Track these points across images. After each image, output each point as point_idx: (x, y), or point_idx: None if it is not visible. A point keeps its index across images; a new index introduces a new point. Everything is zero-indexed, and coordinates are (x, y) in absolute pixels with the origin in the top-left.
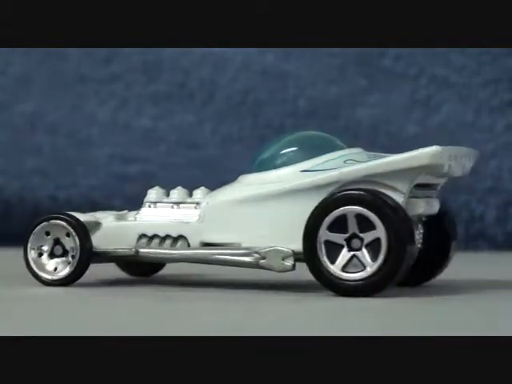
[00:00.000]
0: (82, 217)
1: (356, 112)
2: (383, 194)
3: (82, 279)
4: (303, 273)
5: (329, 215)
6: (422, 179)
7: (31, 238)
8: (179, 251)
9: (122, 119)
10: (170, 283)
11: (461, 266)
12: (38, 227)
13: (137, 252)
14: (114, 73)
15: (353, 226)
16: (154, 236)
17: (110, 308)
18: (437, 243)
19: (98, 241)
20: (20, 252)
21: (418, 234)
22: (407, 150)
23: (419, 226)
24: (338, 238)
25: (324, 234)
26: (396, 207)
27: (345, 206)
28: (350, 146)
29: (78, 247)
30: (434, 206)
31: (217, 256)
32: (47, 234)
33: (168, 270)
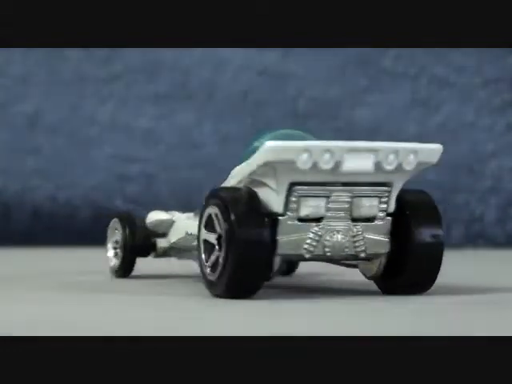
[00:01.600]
0: (163, 215)
1: (356, 112)
2: (244, 192)
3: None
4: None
5: (203, 214)
6: (305, 177)
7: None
8: None
9: (122, 119)
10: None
11: (461, 265)
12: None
13: None
14: (113, 73)
15: (218, 225)
16: None
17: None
18: (392, 248)
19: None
20: (20, 252)
21: (344, 235)
22: None
23: (351, 226)
24: (211, 237)
25: (202, 233)
26: (236, 206)
27: (208, 205)
28: None
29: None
30: (368, 207)
31: None
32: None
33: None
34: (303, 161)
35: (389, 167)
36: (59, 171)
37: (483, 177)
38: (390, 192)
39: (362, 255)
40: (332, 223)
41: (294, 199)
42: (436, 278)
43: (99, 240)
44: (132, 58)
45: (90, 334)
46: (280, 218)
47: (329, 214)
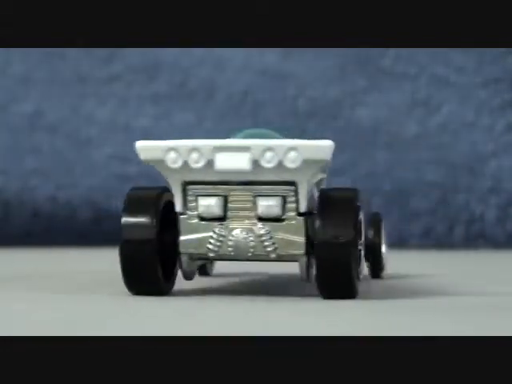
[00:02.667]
0: None
1: (356, 112)
2: (150, 192)
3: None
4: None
5: None
6: (199, 176)
7: None
8: None
9: (122, 119)
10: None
11: (461, 265)
12: None
13: None
14: (113, 73)
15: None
16: None
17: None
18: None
19: None
20: (20, 252)
21: (247, 235)
22: (408, 150)
23: (258, 225)
24: None
25: None
26: (129, 205)
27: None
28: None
29: None
30: (266, 206)
31: None
32: None
33: None
34: (171, 160)
35: (267, 165)
36: (59, 171)
37: (483, 177)
38: (296, 191)
39: (273, 256)
40: (234, 223)
41: (191, 198)
42: (348, 280)
43: (99, 240)
44: (132, 58)
45: (90, 333)
46: (181, 216)
47: (230, 214)
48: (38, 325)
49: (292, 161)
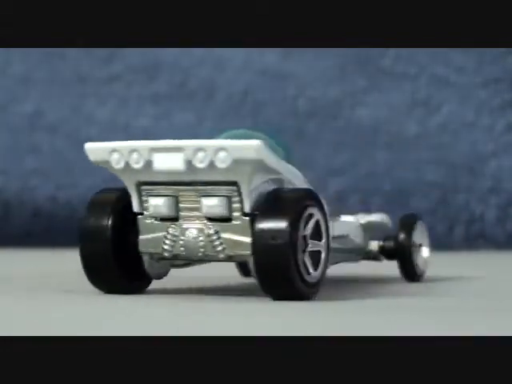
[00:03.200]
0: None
1: (356, 112)
2: (111, 192)
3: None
4: None
5: None
6: (144, 177)
7: None
8: None
9: (122, 119)
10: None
11: (461, 265)
12: None
13: None
14: (113, 73)
15: None
16: None
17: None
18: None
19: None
20: (20, 252)
21: (198, 235)
22: (408, 150)
23: (208, 225)
24: None
25: None
26: (91, 205)
27: None
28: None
29: None
30: (207, 206)
31: None
32: None
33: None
34: (115, 161)
35: (200, 165)
36: (59, 171)
37: (483, 177)
38: (239, 191)
39: (222, 256)
40: (186, 223)
41: (144, 198)
42: (288, 283)
43: None
44: (132, 58)
45: (90, 334)
46: (138, 216)
47: (182, 214)
48: (37, 325)
49: (222, 161)
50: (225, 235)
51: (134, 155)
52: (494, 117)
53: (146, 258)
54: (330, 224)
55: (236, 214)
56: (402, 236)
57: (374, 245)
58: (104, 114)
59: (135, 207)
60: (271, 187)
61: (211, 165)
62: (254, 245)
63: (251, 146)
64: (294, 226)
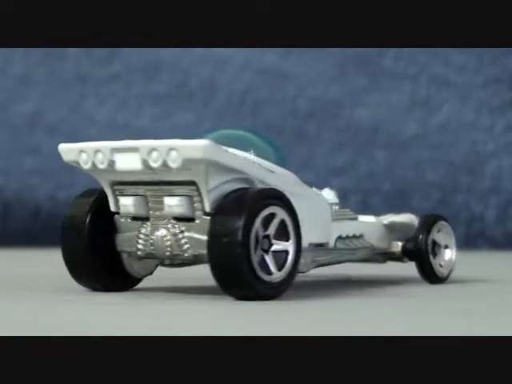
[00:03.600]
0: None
1: (356, 112)
2: (90, 194)
3: None
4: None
5: None
6: (117, 176)
7: None
8: None
9: (122, 119)
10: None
11: (461, 265)
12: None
13: None
14: (113, 73)
15: None
16: None
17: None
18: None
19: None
20: (20, 252)
21: (165, 234)
22: (408, 150)
23: (173, 225)
24: None
25: None
26: (73, 205)
27: None
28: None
29: None
30: (168, 206)
31: None
32: None
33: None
34: (83, 161)
35: (154, 165)
36: (59, 171)
37: (483, 177)
38: (199, 191)
39: (186, 255)
40: (155, 222)
41: (118, 198)
42: (239, 282)
43: None
44: (132, 58)
45: (90, 334)
46: (115, 216)
47: (152, 213)
48: (37, 325)
49: (173, 160)
50: (189, 235)
51: (99, 155)
52: (493, 117)
53: (124, 257)
54: (328, 224)
55: (198, 213)
56: (419, 237)
57: (397, 246)
58: (104, 114)
59: (111, 207)
60: (235, 186)
61: (164, 164)
62: (208, 244)
63: (198, 146)
64: (246, 225)
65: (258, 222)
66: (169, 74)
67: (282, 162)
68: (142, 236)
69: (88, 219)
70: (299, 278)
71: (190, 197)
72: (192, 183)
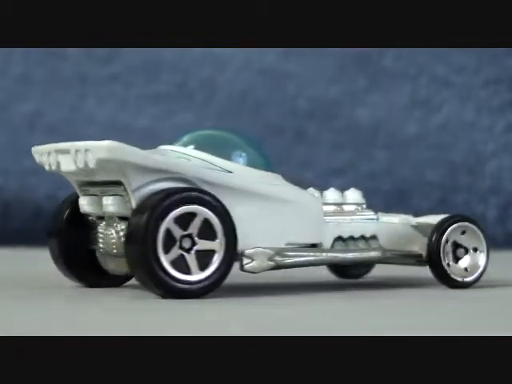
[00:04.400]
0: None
1: (356, 112)
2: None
3: None
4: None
5: None
6: (84, 177)
7: None
8: None
9: (122, 119)
10: None
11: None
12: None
13: None
14: (114, 73)
15: None
16: None
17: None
18: None
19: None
20: (20, 252)
21: (113, 233)
22: (408, 150)
23: (116, 223)
24: None
25: None
26: (55, 211)
27: None
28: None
29: None
30: (104, 205)
31: None
32: None
33: None
34: (42, 163)
35: (80, 165)
36: None
37: (483, 177)
38: (126, 191)
39: None
40: (108, 221)
41: (85, 198)
42: (149, 280)
43: None
44: (132, 58)
45: (90, 333)
46: (89, 216)
47: (105, 213)
48: (37, 325)
49: (90, 161)
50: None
51: (50, 158)
52: (493, 117)
53: (98, 255)
54: (325, 223)
55: (130, 212)
56: (431, 238)
57: (417, 248)
58: (104, 114)
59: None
60: (168, 186)
61: (86, 165)
62: (124, 243)
63: (103, 147)
64: (149, 223)
65: (167, 220)
66: (169, 73)
67: (270, 167)
68: (100, 234)
69: (65, 217)
70: (300, 279)
71: (123, 196)
72: (120, 183)
